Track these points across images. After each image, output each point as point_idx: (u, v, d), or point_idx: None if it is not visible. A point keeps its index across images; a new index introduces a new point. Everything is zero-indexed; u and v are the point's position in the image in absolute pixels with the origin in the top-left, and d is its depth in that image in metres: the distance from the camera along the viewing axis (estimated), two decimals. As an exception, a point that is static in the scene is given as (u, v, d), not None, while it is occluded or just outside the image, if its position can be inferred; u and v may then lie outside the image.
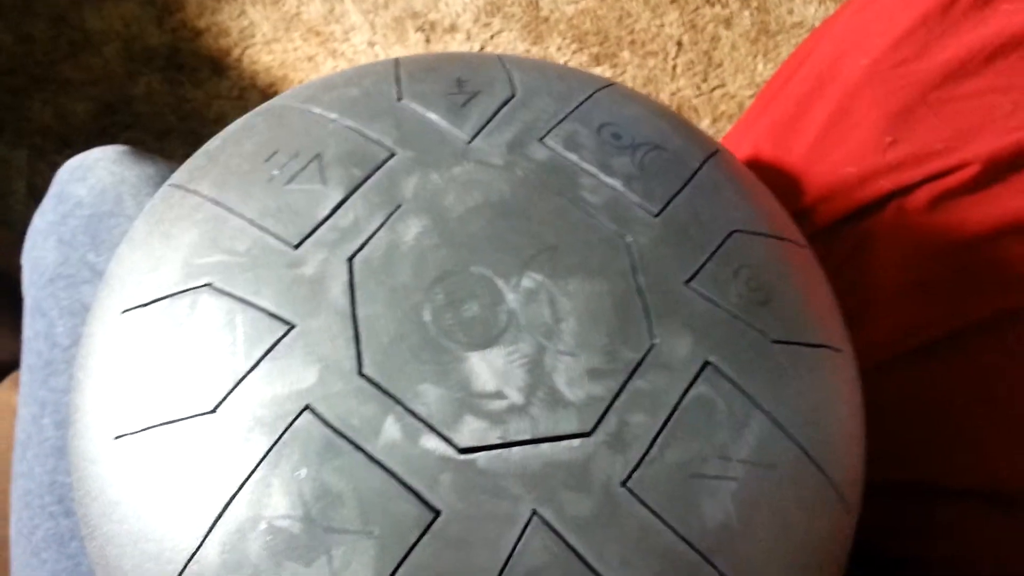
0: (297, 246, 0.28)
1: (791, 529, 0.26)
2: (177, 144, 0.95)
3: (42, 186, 0.50)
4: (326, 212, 0.28)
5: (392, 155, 0.30)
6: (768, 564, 0.26)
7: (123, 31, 1.00)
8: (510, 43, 1.02)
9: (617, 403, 0.26)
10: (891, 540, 0.44)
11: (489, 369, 0.26)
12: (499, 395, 0.25)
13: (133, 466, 0.26)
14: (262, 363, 0.26)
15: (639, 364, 0.26)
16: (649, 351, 0.27)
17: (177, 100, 0.97)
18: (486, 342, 0.26)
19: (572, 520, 0.24)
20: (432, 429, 0.25)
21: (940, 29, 0.51)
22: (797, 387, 0.28)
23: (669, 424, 0.26)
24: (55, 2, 1.01)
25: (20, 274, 0.48)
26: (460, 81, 0.33)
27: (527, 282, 0.27)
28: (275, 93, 0.98)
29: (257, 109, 0.34)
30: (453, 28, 1.02)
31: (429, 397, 0.25)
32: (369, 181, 0.29)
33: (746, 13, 1.03)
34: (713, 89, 1.00)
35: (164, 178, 0.47)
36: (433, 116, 0.31)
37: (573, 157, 0.31)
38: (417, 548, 0.23)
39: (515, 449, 0.25)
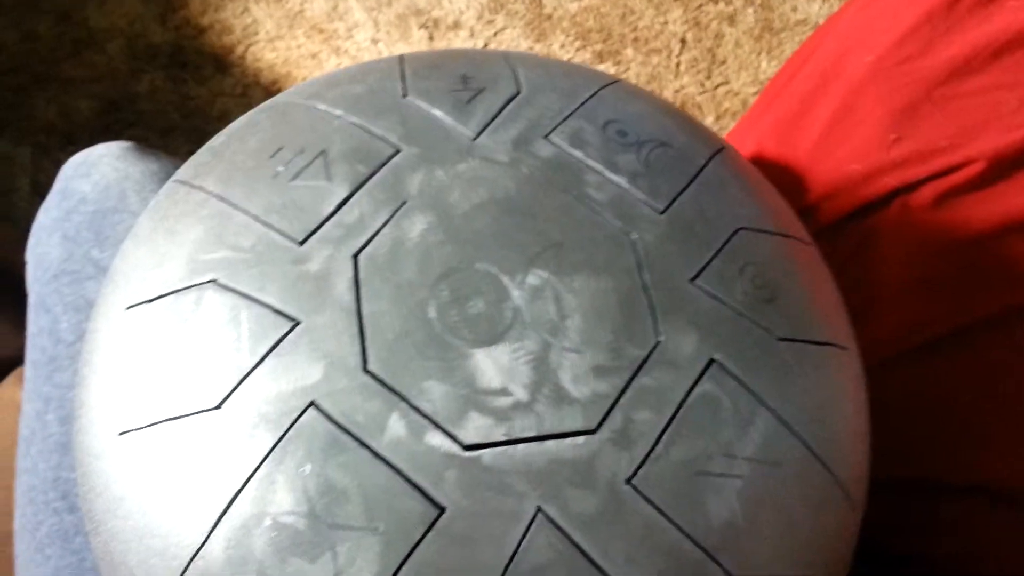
0: (302, 242, 0.28)
1: (796, 527, 0.26)
2: (181, 142, 0.95)
3: (46, 183, 0.50)
4: (331, 208, 0.28)
5: (397, 152, 0.30)
6: (773, 562, 0.26)
7: (127, 29, 1.00)
8: (513, 40, 1.02)
9: (622, 400, 0.26)
10: (895, 537, 0.43)
11: (494, 366, 0.26)
12: (504, 392, 0.25)
13: (138, 462, 0.26)
14: (267, 359, 0.26)
15: (644, 361, 0.26)
16: (654, 348, 0.27)
17: (181, 98, 0.97)
18: (491, 339, 0.26)
19: (577, 517, 0.24)
20: (437, 426, 0.25)
21: (945, 26, 0.51)
22: (803, 385, 0.28)
23: (674, 421, 0.26)
24: (59, 0, 1.01)
25: (24, 270, 0.48)
26: (465, 78, 0.33)
27: (532, 279, 0.27)
28: (279, 90, 0.98)
29: (262, 106, 0.34)
30: (456, 25, 1.02)
31: (434, 394, 0.25)
32: (374, 178, 0.29)
33: (750, 10, 1.03)
34: (717, 86, 1.00)
35: (168, 174, 0.47)
36: (438, 113, 0.31)
37: (578, 154, 0.30)
38: (422, 545, 0.23)
39: (520, 446, 0.25)
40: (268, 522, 0.24)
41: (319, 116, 0.31)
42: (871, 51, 0.52)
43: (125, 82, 0.97)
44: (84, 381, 0.29)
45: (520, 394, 0.25)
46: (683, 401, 0.26)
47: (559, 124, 0.31)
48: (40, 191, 0.92)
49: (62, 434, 0.42)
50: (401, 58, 0.35)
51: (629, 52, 1.01)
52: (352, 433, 0.24)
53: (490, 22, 1.03)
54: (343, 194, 0.29)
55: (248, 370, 0.26)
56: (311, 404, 0.25)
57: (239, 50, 1.00)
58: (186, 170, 0.32)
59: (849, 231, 0.48)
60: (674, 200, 0.30)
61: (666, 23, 1.03)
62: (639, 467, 0.25)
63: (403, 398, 0.25)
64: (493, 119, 0.31)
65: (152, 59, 0.99)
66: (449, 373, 0.25)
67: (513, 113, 0.31)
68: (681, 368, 0.26)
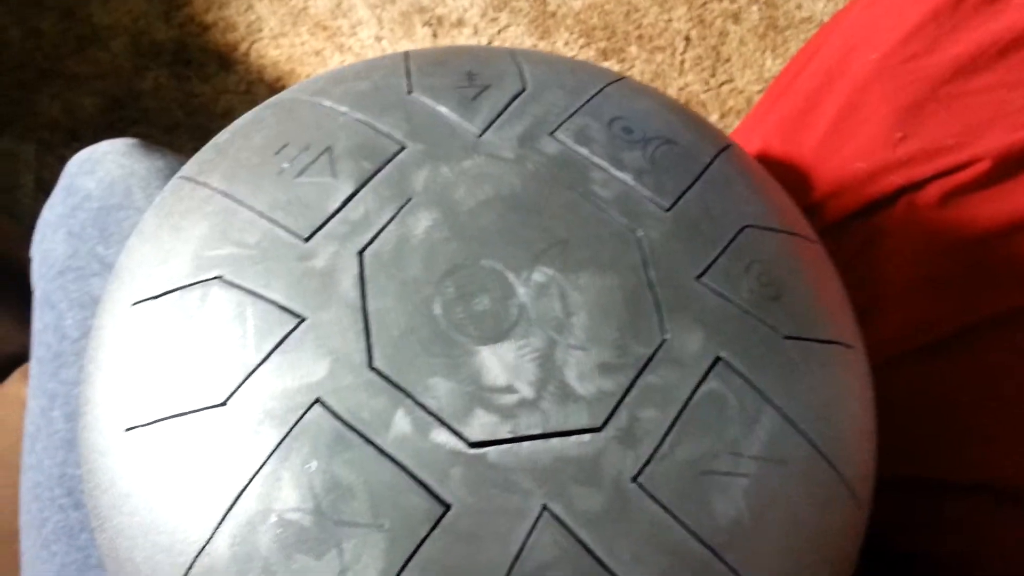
0: (308, 239, 0.28)
1: (802, 525, 0.26)
2: (185, 139, 0.95)
3: (50, 180, 0.50)
4: (336, 205, 0.28)
5: (402, 148, 0.30)
6: (779, 560, 0.25)
7: (131, 26, 1.00)
8: (517, 38, 1.02)
9: (628, 398, 0.26)
10: (899, 535, 0.43)
11: (500, 363, 0.26)
12: (510, 389, 0.25)
13: (143, 458, 0.26)
14: (272, 356, 0.26)
15: (650, 359, 0.26)
16: (660, 346, 0.27)
17: (184, 95, 0.97)
18: (497, 336, 0.26)
19: (583, 515, 0.24)
20: (442, 423, 0.25)
21: (951, 24, 0.51)
22: (808, 383, 0.28)
23: (680, 420, 0.25)
24: (63, -4, 1.01)
25: (29, 267, 0.48)
26: (470, 74, 0.33)
27: (538, 276, 0.27)
28: (282, 87, 0.98)
29: (266, 102, 0.34)
30: (460, 23, 1.02)
31: (439, 391, 0.25)
32: (379, 174, 0.29)
33: (754, 8, 1.03)
34: (721, 84, 1.00)
35: (173, 171, 0.47)
36: (443, 109, 0.31)
37: (584, 151, 0.30)
38: (427, 542, 0.23)
39: (525, 444, 0.25)
40: (273, 519, 0.24)
41: (324, 113, 0.31)
42: (876, 49, 0.52)
43: (129, 79, 0.98)
44: (89, 377, 0.29)
45: (526, 391, 0.25)
46: (689, 399, 0.26)
47: (565, 121, 0.31)
48: (45, 188, 0.92)
49: (67, 431, 0.42)
50: (406, 55, 0.35)
51: (633, 50, 1.01)
52: (357, 430, 0.24)
53: (494, 20, 1.03)
54: (348, 191, 0.29)
55: (254, 366, 0.26)
56: (316, 401, 0.25)
57: (243, 47, 1.00)
58: (191, 166, 0.32)
59: (855, 229, 0.48)
60: (680, 197, 0.30)
61: (670, 20, 1.02)
62: (645, 465, 0.25)
63: (408, 395, 0.25)
64: (499, 116, 0.31)
65: (156, 56, 0.99)
66: (454, 370, 0.25)
67: (519, 110, 0.31)
68: (687, 366, 0.26)
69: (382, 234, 0.28)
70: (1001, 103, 0.48)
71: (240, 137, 0.32)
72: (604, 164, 0.30)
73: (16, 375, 0.54)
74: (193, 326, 0.27)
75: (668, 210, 0.29)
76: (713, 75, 1.00)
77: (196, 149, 0.34)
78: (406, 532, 0.23)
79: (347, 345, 0.26)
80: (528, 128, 0.31)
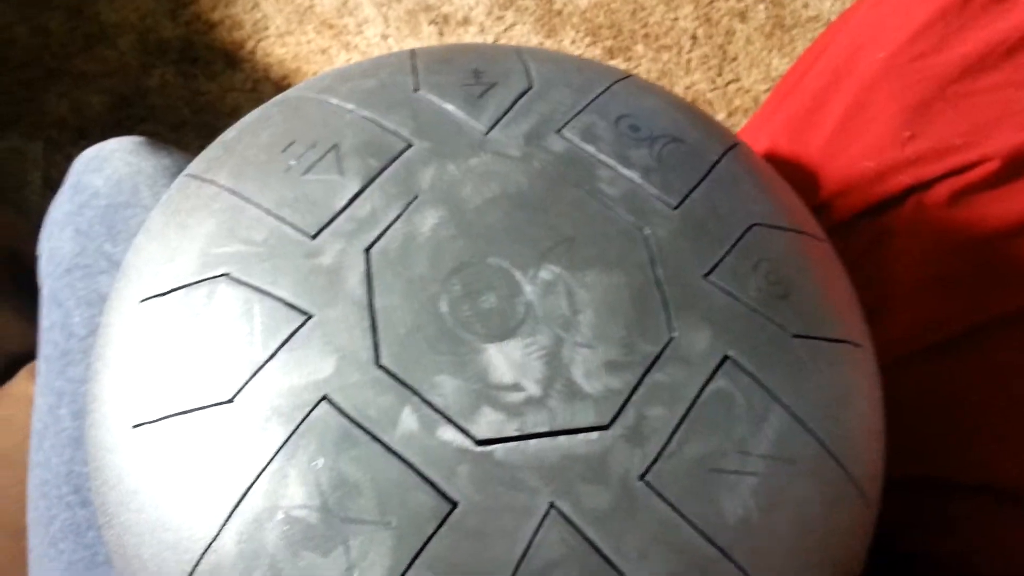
0: (314, 236, 0.28)
1: (810, 524, 0.26)
2: (191, 137, 0.96)
3: (58, 178, 0.50)
4: (343, 202, 0.28)
5: (409, 146, 0.30)
6: (787, 559, 0.25)
7: (138, 24, 1.00)
8: (523, 36, 1.02)
9: (635, 396, 0.25)
10: (903, 534, 0.43)
11: (507, 361, 0.26)
12: (517, 387, 0.25)
13: (151, 455, 0.26)
14: (279, 353, 0.26)
15: (657, 357, 0.26)
16: (668, 344, 0.26)
17: (191, 93, 0.97)
18: (503, 334, 0.26)
19: (590, 513, 0.24)
20: (449, 420, 0.25)
21: (958, 23, 0.51)
22: (817, 382, 0.28)
23: (688, 418, 0.25)
24: (70, -5, 1.01)
25: (36, 265, 0.48)
26: (477, 72, 0.33)
27: (545, 274, 0.27)
28: (289, 85, 0.98)
29: (273, 100, 0.34)
30: (466, 21, 1.02)
31: (446, 388, 0.25)
32: (386, 172, 0.29)
33: (761, 7, 1.03)
34: (728, 83, 0.99)
35: (180, 169, 0.47)
36: (450, 107, 0.31)
37: (591, 149, 0.30)
38: (434, 539, 0.23)
39: (532, 441, 0.25)
40: (280, 516, 0.24)
41: (331, 110, 0.31)
42: (884, 48, 0.51)
43: (136, 77, 0.98)
44: (97, 375, 0.29)
45: (532, 389, 0.25)
46: (696, 397, 0.26)
47: (571, 119, 0.31)
48: (52, 186, 0.92)
49: (75, 428, 0.42)
50: (413, 52, 0.35)
51: (639, 48, 1.01)
52: (364, 427, 0.24)
53: (500, 18, 1.02)
54: (355, 188, 0.29)
55: (260, 364, 0.26)
56: (323, 398, 0.25)
57: (249, 45, 1.00)
58: (198, 164, 0.32)
59: (863, 228, 0.48)
60: (687, 196, 0.30)
61: (677, 19, 1.02)
62: (652, 463, 0.25)
63: (415, 392, 0.25)
64: (505, 114, 0.31)
65: (163, 54, 0.99)
66: (461, 368, 0.25)
67: (525, 108, 0.31)
68: (694, 364, 0.26)
69: (389, 231, 0.28)
70: (1009, 102, 0.48)
71: (247, 135, 0.32)
72: (611, 162, 0.30)
73: (23, 373, 0.54)
74: (200, 323, 0.27)
75: (675, 208, 0.29)
76: (720, 74, 1.00)
77: (203, 147, 0.34)
78: (413, 529, 0.23)
79: (354, 342, 0.26)
80: (535, 126, 0.31)
